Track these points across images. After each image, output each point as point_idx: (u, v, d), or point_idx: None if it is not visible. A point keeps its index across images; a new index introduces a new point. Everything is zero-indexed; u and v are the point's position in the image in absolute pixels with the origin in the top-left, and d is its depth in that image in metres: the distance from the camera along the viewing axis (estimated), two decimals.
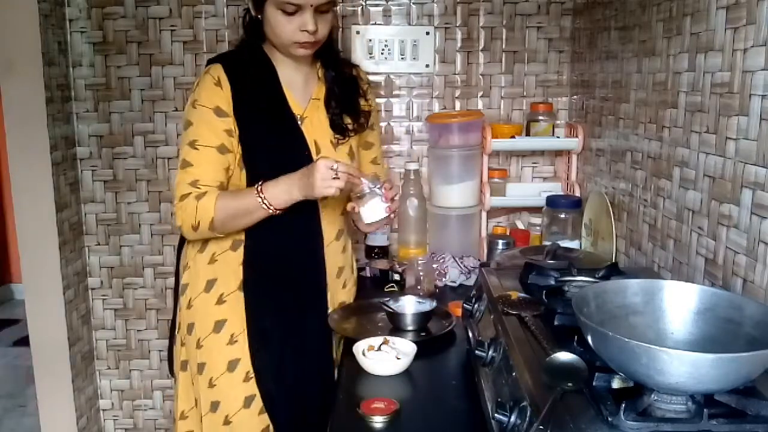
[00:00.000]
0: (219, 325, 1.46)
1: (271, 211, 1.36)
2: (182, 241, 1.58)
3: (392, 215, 1.44)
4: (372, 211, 1.40)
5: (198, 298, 1.47)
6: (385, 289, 1.79)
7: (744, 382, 0.76)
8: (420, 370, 1.28)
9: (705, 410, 0.74)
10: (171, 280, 2.19)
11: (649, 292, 0.95)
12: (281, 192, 1.35)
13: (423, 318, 1.47)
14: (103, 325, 2.25)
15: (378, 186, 1.38)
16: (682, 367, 0.72)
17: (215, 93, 1.40)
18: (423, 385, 1.24)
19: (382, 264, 1.93)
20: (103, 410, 2.31)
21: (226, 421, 1.45)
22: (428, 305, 1.50)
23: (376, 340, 1.33)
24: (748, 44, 1.05)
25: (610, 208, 1.66)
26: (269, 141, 1.45)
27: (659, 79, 1.41)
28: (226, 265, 1.46)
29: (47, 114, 1.95)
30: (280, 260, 1.48)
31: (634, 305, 0.94)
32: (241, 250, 1.46)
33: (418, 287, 1.71)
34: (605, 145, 1.77)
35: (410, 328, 1.45)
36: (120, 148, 2.14)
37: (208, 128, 1.39)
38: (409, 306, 1.51)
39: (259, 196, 1.35)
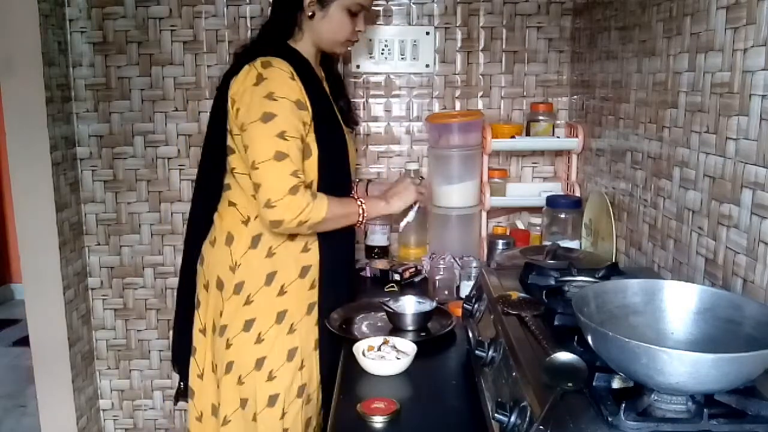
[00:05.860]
0: (281, 316, 1.47)
1: (359, 221, 1.51)
2: (197, 240, 1.56)
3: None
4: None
5: (259, 292, 1.47)
6: (385, 289, 1.79)
7: (744, 382, 0.76)
8: (420, 370, 1.28)
9: (705, 410, 0.74)
10: (171, 280, 2.20)
11: (649, 292, 0.95)
12: (379, 206, 1.56)
13: (423, 318, 1.47)
14: (103, 325, 2.25)
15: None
16: (682, 367, 0.72)
17: (293, 86, 1.41)
18: (423, 385, 1.24)
19: (382, 264, 1.93)
20: (103, 410, 2.31)
21: (282, 414, 1.46)
22: (428, 305, 1.50)
23: (376, 340, 1.33)
24: (748, 44, 1.05)
25: (610, 208, 1.66)
26: (331, 130, 1.53)
27: (659, 79, 1.41)
28: (287, 256, 1.48)
29: (47, 114, 1.95)
30: (342, 237, 1.55)
31: (634, 305, 0.94)
32: (300, 238, 1.48)
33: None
34: (605, 145, 1.77)
35: (410, 328, 1.45)
36: (120, 148, 2.14)
37: (293, 119, 1.39)
38: (409, 306, 1.51)
39: (360, 206, 1.49)
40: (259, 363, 1.46)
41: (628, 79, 1.59)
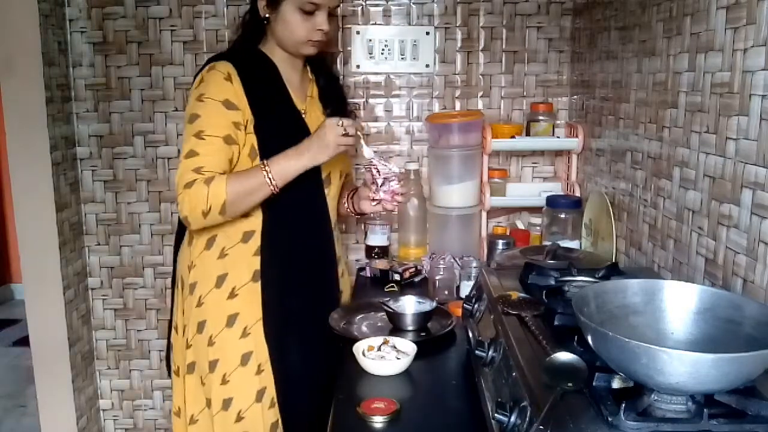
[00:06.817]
0: (231, 320, 1.46)
1: (272, 188, 1.38)
2: (179, 240, 1.58)
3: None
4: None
5: (209, 294, 1.47)
6: (385, 289, 1.79)
7: (744, 382, 0.76)
8: (420, 370, 1.28)
9: (705, 410, 0.74)
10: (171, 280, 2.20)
11: (649, 292, 0.95)
12: (288, 164, 1.38)
13: (423, 318, 1.47)
14: (103, 325, 2.25)
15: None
16: (682, 367, 0.72)
17: (225, 87, 1.41)
18: (423, 385, 1.24)
19: (382, 264, 1.93)
20: (103, 410, 2.31)
21: (239, 418, 1.45)
22: (428, 305, 1.50)
23: (376, 340, 1.33)
24: (748, 44, 1.05)
25: (610, 208, 1.66)
26: (282, 132, 1.49)
27: (659, 79, 1.41)
28: (239, 258, 1.47)
29: (47, 114, 1.95)
30: (296, 246, 1.52)
31: (634, 305, 0.94)
32: (253, 241, 1.47)
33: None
34: (605, 145, 1.77)
35: (410, 328, 1.45)
36: (120, 148, 2.14)
37: (216, 119, 1.39)
38: (409, 306, 1.51)
39: (264, 171, 1.37)
40: (212, 365, 1.46)
41: (628, 79, 1.59)
